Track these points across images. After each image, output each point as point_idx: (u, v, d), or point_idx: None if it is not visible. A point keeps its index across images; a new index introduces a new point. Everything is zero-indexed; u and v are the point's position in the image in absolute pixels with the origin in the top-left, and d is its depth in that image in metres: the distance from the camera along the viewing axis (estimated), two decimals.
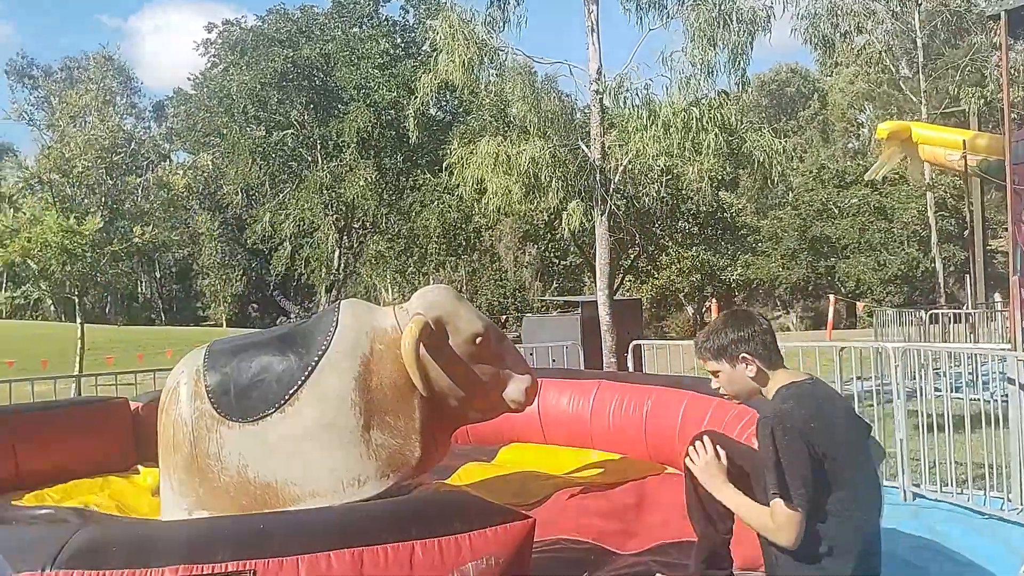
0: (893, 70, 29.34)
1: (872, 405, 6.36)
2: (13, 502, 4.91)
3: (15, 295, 17.12)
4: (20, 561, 2.04)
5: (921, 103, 26.33)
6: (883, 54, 28.40)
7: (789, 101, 48.26)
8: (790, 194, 32.49)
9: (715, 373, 2.86)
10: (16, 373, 18.72)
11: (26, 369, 19.25)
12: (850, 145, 40.37)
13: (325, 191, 27.22)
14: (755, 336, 2.74)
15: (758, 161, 11.42)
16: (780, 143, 11.92)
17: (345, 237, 29.57)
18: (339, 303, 4.18)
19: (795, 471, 2.52)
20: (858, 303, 30.60)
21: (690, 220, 25.44)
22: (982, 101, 22.14)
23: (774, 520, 2.57)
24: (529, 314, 25.32)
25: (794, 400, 2.63)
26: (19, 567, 2.01)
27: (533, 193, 11.52)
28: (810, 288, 34.06)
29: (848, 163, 34.93)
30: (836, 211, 32.26)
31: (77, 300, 14.39)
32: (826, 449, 2.57)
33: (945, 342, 12.35)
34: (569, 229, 12.46)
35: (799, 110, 45.61)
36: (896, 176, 26.31)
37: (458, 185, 12.57)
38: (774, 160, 11.42)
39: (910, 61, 28.84)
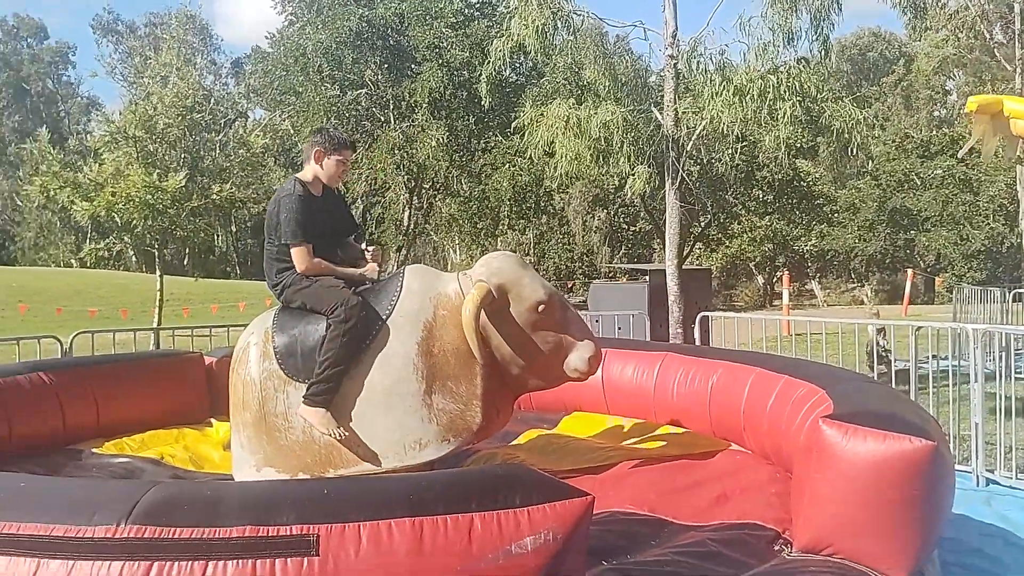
0: (987, 35, 27.92)
1: (948, 386, 6.17)
2: (94, 449, 5.14)
3: (99, 247, 17.67)
4: (96, 514, 2.13)
5: (1016, 71, 25.08)
6: (976, 18, 27.03)
7: (871, 66, 46.46)
8: (870, 163, 31.39)
9: None
10: (99, 322, 19.54)
11: (109, 318, 20.09)
12: (935, 113, 38.73)
13: (397, 151, 27.37)
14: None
15: (837, 130, 11.06)
16: (860, 113, 11.49)
17: (416, 197, 29.72)
18: (404, 268, 4.22)
19: (292, 218, 3.94)
20: (937, 278, 29.62)
21: (765, 188, 24.87)
22: None
23: (294, 259, 3.98)
24: (596, 280, 25.26)
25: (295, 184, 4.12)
26: (95, 520, 2.11)
27: (603, 158, 11.38)
28: (887, 261, 33.03)
29: (933, 132, 33.53)
30: (918, 182, 31.11)
31: (157, 253, 14.84)
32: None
33: None
34: (634, 193, 12.31)
35: (882, 76, 43.88)
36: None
37: (528, 148, 12.48)
38: (854, 130, 11.03)
39: (1005, 26, 27.39)
